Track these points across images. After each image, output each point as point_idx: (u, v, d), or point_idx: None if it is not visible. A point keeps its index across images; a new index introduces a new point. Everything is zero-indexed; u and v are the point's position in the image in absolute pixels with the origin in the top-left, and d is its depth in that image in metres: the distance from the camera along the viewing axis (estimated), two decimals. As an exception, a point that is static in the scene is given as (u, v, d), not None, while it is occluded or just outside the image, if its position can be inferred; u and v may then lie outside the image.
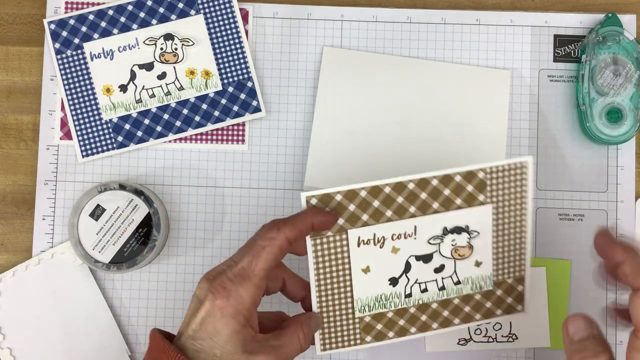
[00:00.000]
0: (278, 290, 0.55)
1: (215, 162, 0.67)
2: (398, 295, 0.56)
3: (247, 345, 0.48)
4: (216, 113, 0.66)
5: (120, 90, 0.66)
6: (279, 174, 0.67)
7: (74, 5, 0.67)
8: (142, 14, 0.66)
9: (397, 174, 0.65)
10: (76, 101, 0.66)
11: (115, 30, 0.66)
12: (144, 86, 0.66)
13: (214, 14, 0.67)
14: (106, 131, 0.66)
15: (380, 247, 0.54)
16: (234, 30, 0.67)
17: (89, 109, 0.66)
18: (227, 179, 0.67)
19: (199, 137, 0.67)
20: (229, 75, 0.67)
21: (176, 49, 0.66)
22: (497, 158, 0.66)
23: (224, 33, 0.67)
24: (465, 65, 0.67)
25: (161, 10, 0.66)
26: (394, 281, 0.55)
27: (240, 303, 0.48)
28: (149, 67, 0.66)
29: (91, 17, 0.67)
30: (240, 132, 0.67)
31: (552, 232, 0.66)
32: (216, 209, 0.67)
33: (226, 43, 0.67)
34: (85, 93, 0.66)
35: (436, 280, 0.56)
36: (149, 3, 0.66)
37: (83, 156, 0.66)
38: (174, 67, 0.66)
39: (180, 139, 0.67)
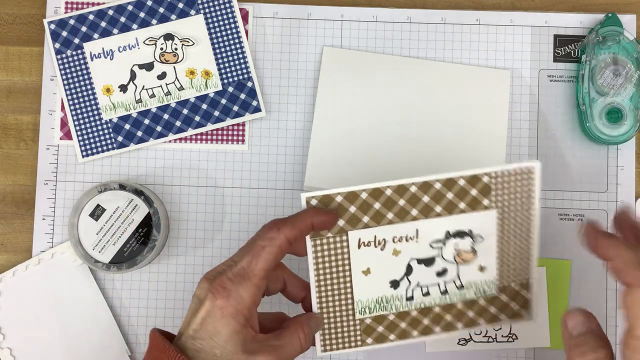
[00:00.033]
0: (278, 291, 0.55)
1: (215, 162, 0.67)
2: (399, 298, 0.55)
3: (247, 345, 0.48)
4: (216, 113, 0.66)
5: (120, 90, 0.66)
6: (279, 174, 0.67)
7: (74, 5, 0.67)
8: (142, 14, 0.66)
9: (397, 173, 0.65)
10: (76, 101, 0.66)
11: (115, 30, 0.66)
12: (144, 86, 0.66)
13: (214, 14, 0.67)
14: (106, 131, 0.66)
15: (381, 250, 0.54)
16: (234, 30, 0.67)
17: (89, 109, 0.66)
18: (227, 179, 0.67)
19: (199, 137, 0.67)
20: (229, 75, 0.67)
21: (176, 49, 0.66)
22: (497, 158, 0.66)
23: (224, 33, 0.67)
24: (465, 65, 0.67)
25: (161, 10, 0.66)
26: (395, 284, 0.55)
27: (240, 303, 0.48)
28: (149, 67, 0.66)
29: (91, 17, 0.67)
30: (240, 132, 0.67)
31: (552, 232, 0.66)
32: (216, 209, 0.67)
33: (226, 43, 0.67)
34: (85, 93, 0.66)
35: (438, 284, 0.55)
36: (149, 3, 0.66)
37: (83, 156, 0.66)
38: (174, 67, 0.66)
39: (180, 139, 0.67)
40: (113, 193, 0.63)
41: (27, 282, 0.65)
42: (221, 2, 0.67)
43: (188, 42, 0.66)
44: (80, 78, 0.66)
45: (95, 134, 0.66)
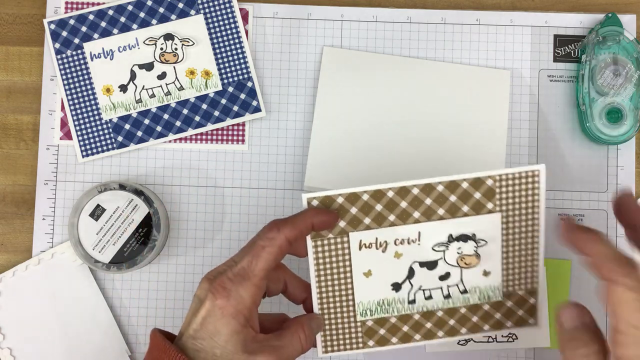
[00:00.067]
0: (279, 292, 0.55)
1: (215, 162, 0.67)
2: (401, 301, 0.55)
3: (248, 345, 0.48)
4: (216, 113, 0.66)
5: (120, 90, 0.66)
6: (279, 174, 0.67)
7: (74, 5, 0.67)
8: (142, 14, 0.66)
9: (397, 173, 0.65)
10: (76, 101, 0.66)
11: (115, 30, 0.66)
12: (144, 86, 0.66)
13: (214, 14, 0.67)
14: (106, 131, 0.66)
15: (383, 252, 0.54)
16: (234, 30, 0.67)
17: (89, 109, 0.66)
18: (227, 179, 0.67)
19: (199, 137, 0.67)
20: (229, 75, 0.67)
21: (176, 49, 0.66)
22: (497, 158, 0.66)
23: (224, 33, 0.67)
24: (465, 65, 0.67)
25: (161, 10, 0.66)
26: (396, 286, 0.55)
27: (240, 303, 0.48)
28: (149, 67, 0.66)
29: (91, 17, 0.67)
30: (240, 132, 0.67)
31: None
32: (216, 209, 0.67)
33: (226, 43, 0.67)
34: (85, 93, 0.66)
35: (441, 288, 0.55)
36: (149, 3, 0.66)
37: (83, 156, 0.66)
38: (174, 67, 0.66)
39: (180, 139, 0.67)
40: (113, 193, 0.63)
41: (27, 282, 0.65)
42: (221, 2, 0.67)
43: (188, 42, 0.66)
44: (80, 78, 0.66)
45: (95, 134, 0.66)
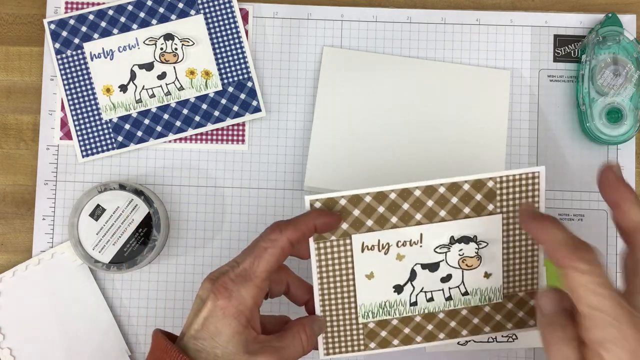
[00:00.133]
0: (282, 294, 0.55)
1: (215, 162, 0.67)
2: (403, 303, 0.55)
3: (249, 346, 0.48)
4: (216, 113, 0.66)
5: (120, 90, 0.66)
6: (279, 174, 0.67)
7: (74, 5, 0.67)
8: (142, 14, 0.66)
9: (397, 173, 0.65)
10: (76, 101, 0.66)
11: (115, 30, 0.66)
12: (144, 86, 0.66)
13: (214, 14, 0.67)
14: (106, 131, 0.66)
15: (385, 254, 0.53)
16: (234, 30, 0.67)
17: (89, 109, 0.66)
18: (227, 179, 0.67)
19: (199, 137, 0.67)
20: (229, 75, 0.67)
21: (176, 49, 0.66)
22: (497, 158, 0.66)
23: (224, 33, 0.67)
24: (465, 65, 0.67)
25: (161, 10, 0.66)
26: (398, 289, 0.54)
27: (241, 303, 0.48)
28: (149, 67, 0.66)
29: (91, 17, 0.66)
30: (240, 132, 0.67)
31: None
32: (216, 209, 0.67)
33: (226, 43, 0.67)
34: (85, 93, 0.66)
35: (443, 289, 0.55)
36: (149, 3, 0.66)
37: (83, 156, 0.66)
38: (174, 67, 0.66)
39: (180, 139, 0.67)
40: (113, 193, 0.63)
41: (27, 282, 0.65)
42: (221, 2, 0.67)
43: (188, 42, 0.66)
44: (80, 78, 0.66)
45: (95, 134, 0.66)
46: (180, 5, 0.66)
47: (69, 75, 0.66)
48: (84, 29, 0.66)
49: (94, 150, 0.66)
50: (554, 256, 0.44)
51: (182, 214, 0.66)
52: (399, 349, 0.56)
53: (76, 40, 0.66)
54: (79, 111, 0.66)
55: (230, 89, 0.67)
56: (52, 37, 0.66)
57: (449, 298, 0.55)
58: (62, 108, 0.67)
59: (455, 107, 0.66)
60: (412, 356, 0.65)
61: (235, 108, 0.66)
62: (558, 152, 0.67)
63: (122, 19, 0.66)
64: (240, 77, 0.67)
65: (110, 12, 0.66)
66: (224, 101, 0.66)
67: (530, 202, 0.52)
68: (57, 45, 0.66)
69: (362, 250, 0.53)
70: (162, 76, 0.66)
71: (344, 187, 0.61)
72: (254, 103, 0.66)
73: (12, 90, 0.68)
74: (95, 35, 0.66)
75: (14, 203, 0.67)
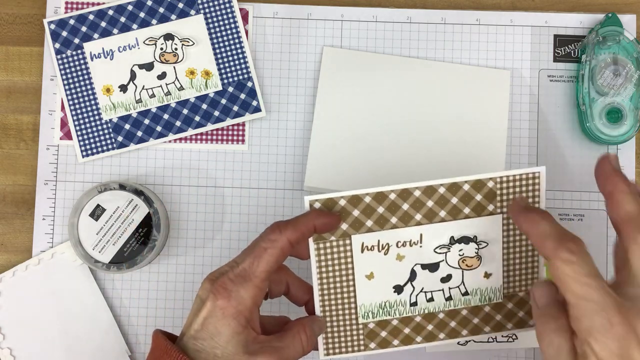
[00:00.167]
0: (282, 294, 0.55)
1: (215, 162, 0.67)
2: (403, 304, 0.55)
3: (249, 346, 0.48)
4: (216, 113, 0.66)
5: (120, 90, 0.66)
6: (279, 174, 0.67)
7: (74, 5, 0.67)
8: (142, 14, 0.66)
9: (397, 173, 0.65)
10: (76, 101, 0.66)
11: (115, 30, 0.66)
12: (144, 86, 0.66)
13: (214, 14, 0.67)
14: (106, 131, 0.66)
15: (385, 254, 0.53)
16: (234, 30, 0.67)
17: (89, 109, 0.66)
18: (227, 179, 0.67)
19: (199, 137, 0.67)
20: (229, 75, 0.67)
21: (176, 49, 0.66)
22: (497, 158, 0.66)
23: (224, 33, 0.67)
24: (465, 65, 0.67)
25: (161, 10, 0.66)
26: (398, 289, 0.54)
27: (240, 304, 0.48)
28: (149, 67, 0.66)
29: (91, 17, 0.66)
30: (240, 132, 0.67)
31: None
32: (216, 209, 0.67)
33: (226, 43, 0.67)
34: (85, 93, 0.66)
35: (443, 290, 0.55)
36: (149, 3, 0.66)
37: (83, 156, 0.66)
38: (174, 67, 0.66)
39: (180, 139, 0.67)
40: (113, 193, 0.63)
41: (27, 282, 0.65)
42: (221, 2, 0.67)
43: (188, 42, 0.66)
44: (80, 78, 0.66)
45: (95, 134, 0.66)
46: (180, 5, 0.66)
47: (69, 75, 0.66)
48: (84, 29, 0.66)
49: (94, 150, 0.66)
50: (541, 248, 0.44)
51: (182, 214, 0.66)
52: (399, 349, 0.56)
53: (76, 40, 0.66)
54: (79, 111, 0.66)
55: (230, 89, 0.67)
56: (52, 37, 0.66)
57: (449, 298, 0.55)
58: (62, 108, 0.67)
59: (455, 107, 0.66)
60: (412, 356, 0.65)
61: (235, 108, 0.66)
62: (558, 152, 0.67)
63: (122, 19, 0.66)
64: (240, 77, 0.67)
65: (110, 12, 0.66)
66: (224, 101, 0.66)
67: (523, 196, 0.52)
68: (57, 45, 0.66)
69: (362, 251, 0.53)
70: (162, 76, 0.66)
71: (344, 187, 0.62)
72: (254, 103, 0.66)
73: (12, 90, 0.68)
74: (95, 35, 0.66)
75: (14, 203, 0.67)
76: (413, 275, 0.54)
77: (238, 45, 0.67)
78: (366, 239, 0.53)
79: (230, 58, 0.67)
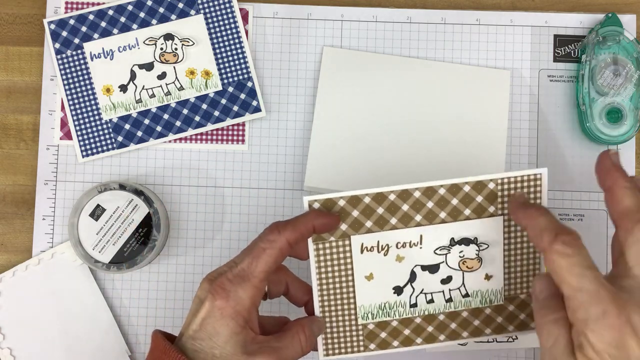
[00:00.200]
0: (281, 294, 0.55)
1: (215, 162, 0.67)
2: (402, 305, 0.55)
3: (247, 346, 0.48)
4: (216, 113, 0.66)
5: (120, 90, 0.66)
6: (279, 174, 0.67)
7: (74, 5, 0.67)
8: (142, 14, 0.66)
9: (397, 173, 0.65)
10: (76, 101, 0.66)
11: (115, 30, 0.66)
12: (144, 86, 0.66)
13: (214, 14, 0.67)
14: (106, 131, 0.66)
15: (384, 255, 0.53)
16: (234, 30, 0.67)
17: (89, 109, 0.66)
18: (227, 179, 0.67)
19: (199, 137, 0.67)
20: (229, 75, 0.67)
21: (176, 49, 0.66)
22: (497, 158, 0.66)
23: (224, 33, 0.67)
24: (465, 65, 0.67)
25: (161, 10, 0.66)
26: (398, 290, 0.54)
27: (239, 304, 0.48)
28: (149, 67, 0.66)
29: (91, 17, 0.67)
30: (240, 132, 0.67)
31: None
32: (216, 209, 0.67)
33: (226, 43, 0.67)
34: (85, 93, 0.66)
35: (443, 291, 0.54)
36: (149, 3, 0.66)
37: (83, 156, 0.66)
38: (174, 67, 0.66)
39: (180, 139, 0.67)
40: (113, 193, 0.63)
41: (27, 282, 0.65)
42: (221, 2, 0.67)
43: (188, 42, 0.66)
44: (80, 78, 0.66)
45: (95, 134, 0.66)
46: (180, 5, 0.67)
47: (69, 75, 0.66)
48: (84, 29, 0.66)
49: (94, 150, 0.66)
50: (536, 241, 0.45)
51: (182, 214, 0.66)
52: (398, 350, 0.56)
53: (76, 40, 0.66)
54: (79, 111, 0.66)
55: (230, 89, 0.67)
56: (52, 37, 0.67)
57: (450, 300, 0.55)
58: (62, 108, 0.67)
59: (455, 107, 0.66)
60: (412, 356, 0.65)
61: (235, 108, 0.66)
62: (558, 152, 0.67)
63: (122, 19, 0.66)
64: (240, 77, 0.67)
65: (110, 12, 0.66)
66: (224, 101, 0.66)
67: (521, 192, 0.52)
68: (57, 45, 0.66)
69: (362, 252, 0.53)
70: (162, 76, 0.66)
71: (344, 187, 0.62)
72: (254, 103, 0.66)
73: (12, 90, 0.68)
74: (95, 35, 0.66)
75: (14, 203, 0.67)
76: (413, 277, 0.54)
77: (238, 45, 0.67)
78: (366, 239, 0.53)
79: (230, 58, 0.67)
